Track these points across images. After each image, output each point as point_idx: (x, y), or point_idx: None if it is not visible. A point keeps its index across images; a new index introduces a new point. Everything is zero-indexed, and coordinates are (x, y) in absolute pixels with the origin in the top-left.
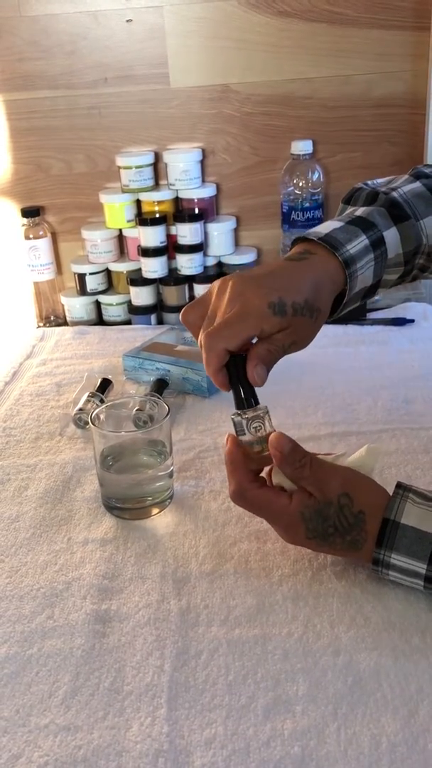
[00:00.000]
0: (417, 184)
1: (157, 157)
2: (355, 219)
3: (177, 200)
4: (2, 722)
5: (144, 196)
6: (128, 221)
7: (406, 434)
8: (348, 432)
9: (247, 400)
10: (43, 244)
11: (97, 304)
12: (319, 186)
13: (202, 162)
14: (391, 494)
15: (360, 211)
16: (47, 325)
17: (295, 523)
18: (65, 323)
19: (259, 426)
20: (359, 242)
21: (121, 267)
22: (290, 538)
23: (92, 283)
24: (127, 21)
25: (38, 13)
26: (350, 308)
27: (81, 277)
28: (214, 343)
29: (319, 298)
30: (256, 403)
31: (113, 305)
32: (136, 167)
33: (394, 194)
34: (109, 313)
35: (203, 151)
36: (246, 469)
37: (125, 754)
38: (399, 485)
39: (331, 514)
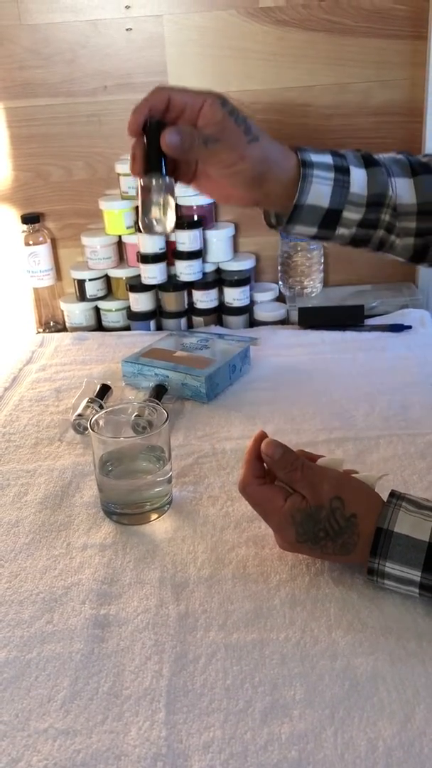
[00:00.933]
0: (400, 156)
1: None
2: (328, 149)
3: (176, 207)
4: (1, 726)
5: None
6: (128, 228)
7: (403, 440)
8: (345, 438)
9: (154, 165)
10: (43, 251)
11: (97, 310)
12: None
13: None
14: (383, 500)
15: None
16: (47, 330)
17: (285, 525)
18: (64, 329)
19: (159, 198)
20: (323, 158)
21: (121, 273)
22: (282, 541)
23: (91, 289)
24: (127, 30)
25: (39, 21)
26: (304, 230)
27: (80, 283)
28: (150, 94)
29: (261, 133)
30: (166, 173)
31: (112, 311)
32: None
33: (373, 154)
34: (109, 319)
35: None
36: (256, 464)
37: (124, 758)
38: (392, 494)
39: (322, 517)
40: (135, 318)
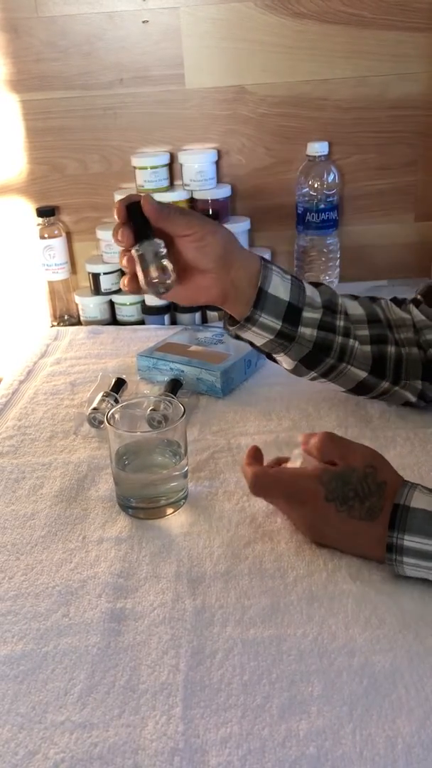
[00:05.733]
0: (355, 302)
1: (173, 157)
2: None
3: (192, 201)
4: (19, 719)
5: (159, 197)
6: None
7: (419, 437)
8: (361, 435)
9: (143, 233)
10: (58, 244)
11: (111, 303)
12: (335, 187)
13: (217, 163)
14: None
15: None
16: (61, 324)
17: (313, 486)
18: (79, 323)
19: (154, 260)
20: (278, 266)
21: None
22: (310, 503)
23: (106, 282)
24: (143, 22)
25: (55, 14)
26: (269, 321)
27: (95, 277)
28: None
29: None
30: (153, 237)
31: (127, 305)
32: (152, 168)
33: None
34: (123, 313)
35: (218, 152)
36: (256, 464)
37: (141, 752)
38: (405, 483)
39: (353, 479)
40: (149, 312)
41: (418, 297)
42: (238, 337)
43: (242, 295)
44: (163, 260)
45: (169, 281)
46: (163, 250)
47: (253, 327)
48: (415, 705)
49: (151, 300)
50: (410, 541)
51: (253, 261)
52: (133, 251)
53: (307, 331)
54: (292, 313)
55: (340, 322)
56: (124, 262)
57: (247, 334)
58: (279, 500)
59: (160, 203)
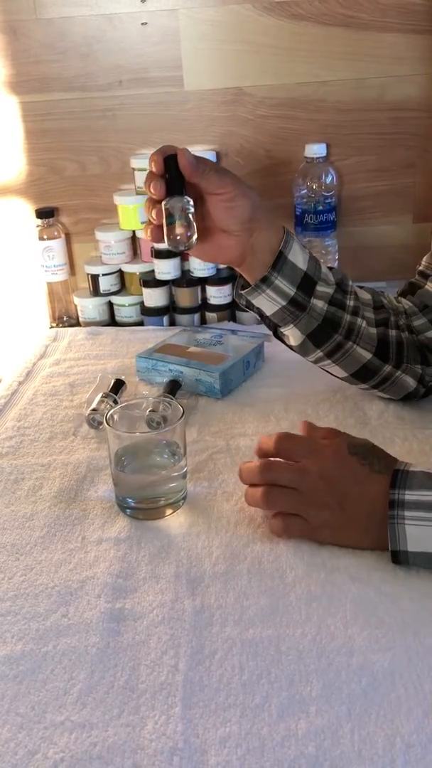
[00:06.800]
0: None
1: None
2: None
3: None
4: (18, 718)
5: None
6: (142, 223)
7: (418, 438)
8: (360, 436)
9: (176, 188)
10: (57, 245)
11: (110, 305)
12: (333, 189)
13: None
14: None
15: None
16: (60, 325)
17: (337, 443)
18: (78, 324)
19: (182, 216)
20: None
21: (134, 268)
22: (333, 455)
23: (105, 284)
24: (142, 24)
25: (54, 15)
26: (283, 286)
27: (94, 278)
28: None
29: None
30: (185, 194)
31: (126, 306)
32: None
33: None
34: (122, 314)
35: (217, 153)
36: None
37: (140, 752)
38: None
39: (368, 445)
40: (148, 313)
41: (400, 293)
42: (248, 305)
43: (261, 259)
44: (189, 218)
45: (191, 240)
46: (191, 208)
47: (267, 289)
48: (413, 704)
49: (150, 301)
50: (411, 495)
51: (276, 228)
52: (162, 204)
53: (318, 304)
54: (307, 284)
55: (350, 302)
56: (153, 214)
57: (258, 299)
58: (296, 460)
59: (196, 158)
